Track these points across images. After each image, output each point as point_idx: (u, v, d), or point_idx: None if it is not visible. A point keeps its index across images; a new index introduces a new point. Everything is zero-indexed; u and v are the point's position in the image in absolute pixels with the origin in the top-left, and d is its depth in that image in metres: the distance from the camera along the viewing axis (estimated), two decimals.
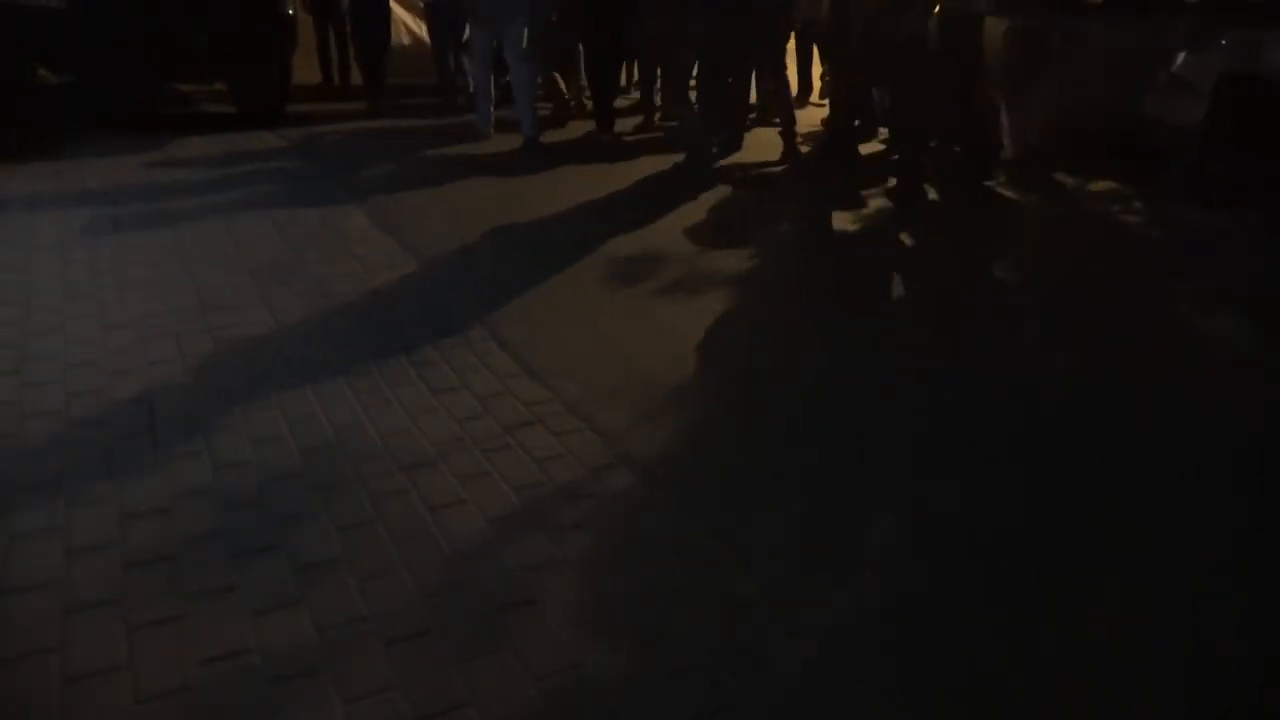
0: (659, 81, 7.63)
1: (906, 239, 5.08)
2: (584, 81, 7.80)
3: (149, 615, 1.90)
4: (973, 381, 3.20)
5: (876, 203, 5.54)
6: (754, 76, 6.91)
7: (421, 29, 8.21)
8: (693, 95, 7.24)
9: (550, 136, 6.97)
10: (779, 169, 6.30)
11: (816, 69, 8.57)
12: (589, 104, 7.56)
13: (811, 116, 7.69)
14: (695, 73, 6.97)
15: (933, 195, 5.68)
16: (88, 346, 3.07)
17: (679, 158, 6.40)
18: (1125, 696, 1.84)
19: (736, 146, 6.71)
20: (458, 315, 3.52)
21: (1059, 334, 3.65)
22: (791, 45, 7.09)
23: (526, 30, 6.30)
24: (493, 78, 6.89)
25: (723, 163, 6.43)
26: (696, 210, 5.21)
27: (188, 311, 3.39)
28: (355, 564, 2.09)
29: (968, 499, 2.49)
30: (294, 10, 6.92)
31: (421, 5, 8.01)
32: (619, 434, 2.72)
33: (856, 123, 6.65)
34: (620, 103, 7.68)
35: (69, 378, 2.85)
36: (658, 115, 7.54)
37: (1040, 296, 4.10)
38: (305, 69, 7.72)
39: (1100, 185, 6.06)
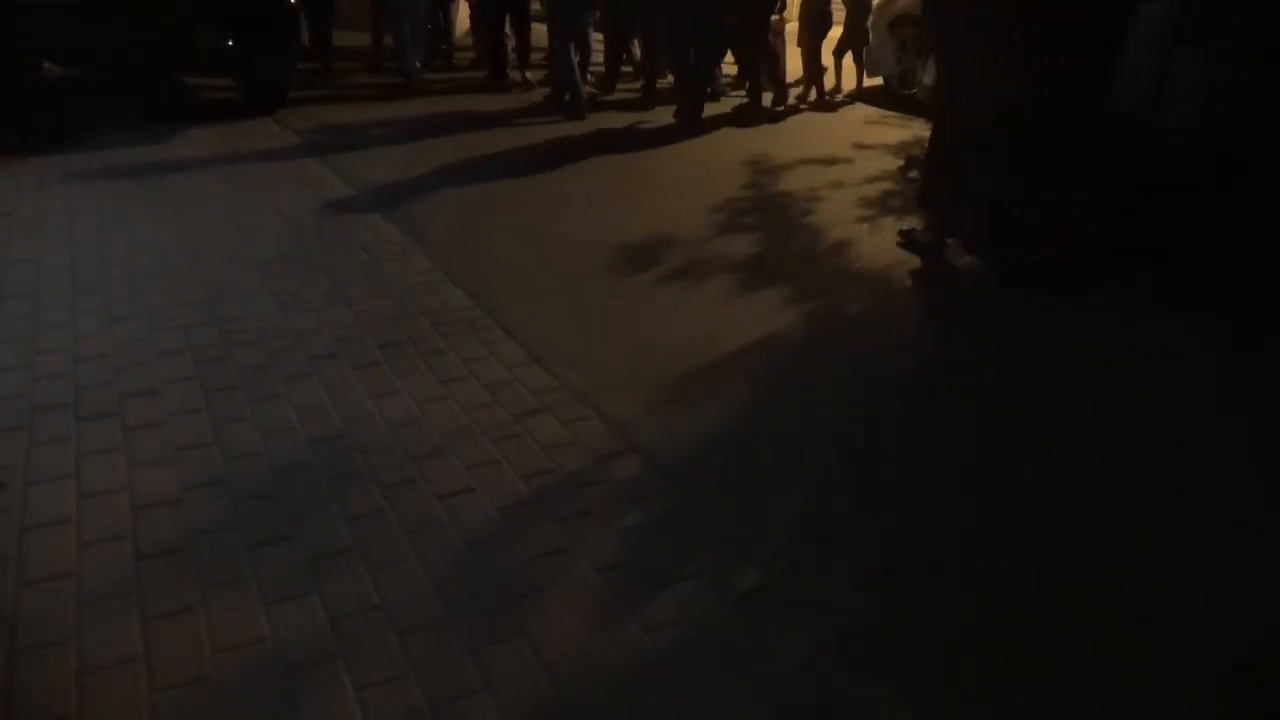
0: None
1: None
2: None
3: (163, 606, 1.92)
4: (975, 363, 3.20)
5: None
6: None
7: None
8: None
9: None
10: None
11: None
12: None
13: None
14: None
15: None
16: (97, 339, 3.08)
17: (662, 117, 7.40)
18: (1125, 697, 1.84)
19: (609, 91, 8.18)
20: (465, 304, 3.53)
21: None
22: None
23: None
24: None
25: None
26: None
27: (196, 304, 3.40)
28: (366, 553, 2.11)
29: (973, 484, 2.50)
30: (298, 4, 6.90)
31: None
32: (627, 422, 2.73)
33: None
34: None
35: (79, 371, 2.86)
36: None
37: None
38: None
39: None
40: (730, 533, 2.24)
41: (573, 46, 7.32)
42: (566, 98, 7.33)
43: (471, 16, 9.37)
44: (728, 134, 6.92)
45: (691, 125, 7.09)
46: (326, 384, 2.87)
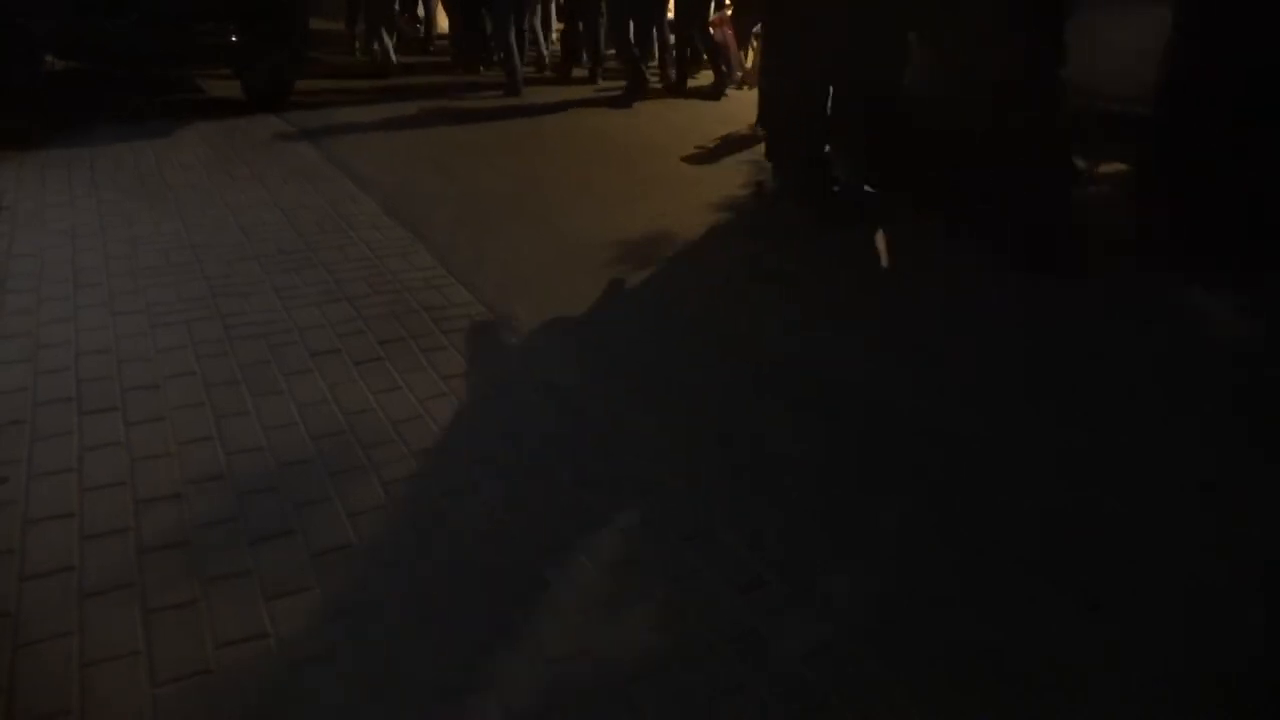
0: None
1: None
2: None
3: (165, 600, 1.92)
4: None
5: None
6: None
7: None
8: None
9: None
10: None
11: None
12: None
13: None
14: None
15: None
16: (99, 334, 3.08)
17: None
18: (1133, 685, 1.84)
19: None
20: (467, 300, 3.53)
21: None
22: None
23: None
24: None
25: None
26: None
27: (197, 298, 3.40)
28: (368, 549, 2.11)
29: (976, 478, 2.49)
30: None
31: None
32: (627, 418, 2.73)
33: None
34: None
35: (80, 365, 2.87)
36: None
37: None
38: None
39: None
40: (734, 525, 2.24)
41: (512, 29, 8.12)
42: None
43: (445, 6, 9.97)
44: (719, 124, 6.93)
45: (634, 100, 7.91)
46: (328, 379, 2.87)
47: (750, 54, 8.78)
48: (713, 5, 8.64)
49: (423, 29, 10.62)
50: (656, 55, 8.59)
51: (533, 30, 9.28)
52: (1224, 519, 2.38)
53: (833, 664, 1.84)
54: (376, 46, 8.62)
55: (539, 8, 9.44)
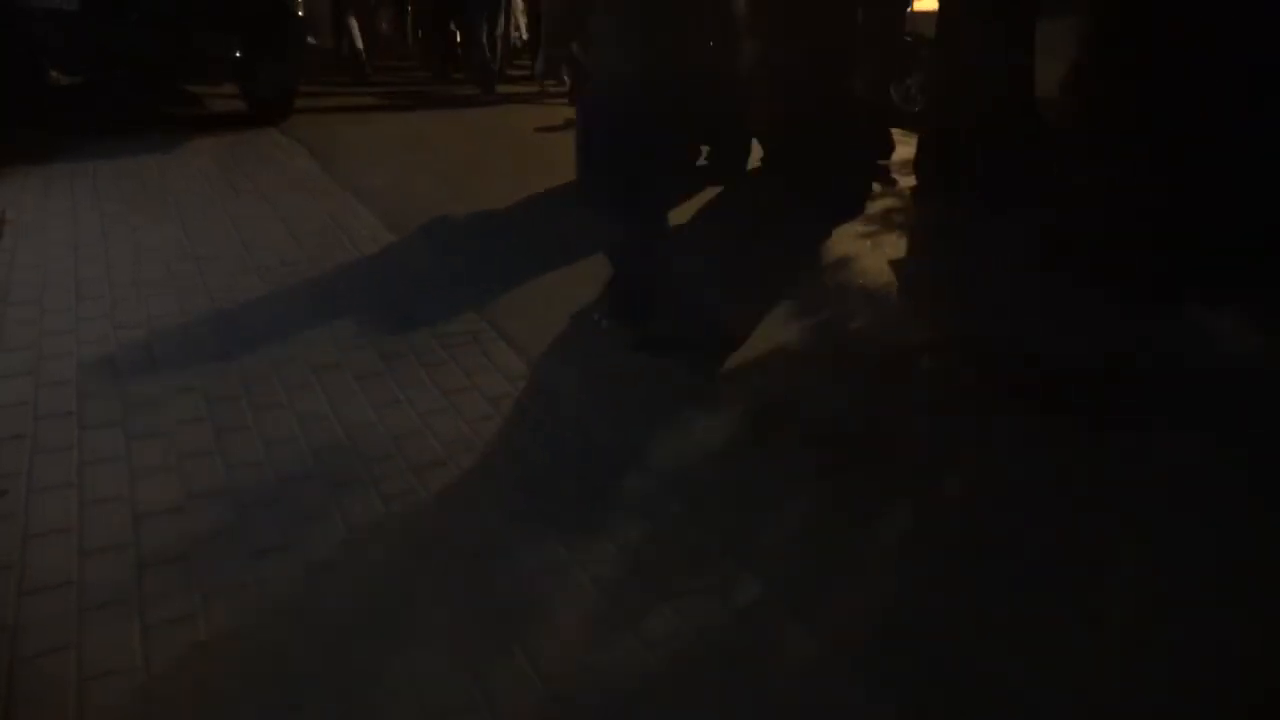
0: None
1: None
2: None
3: (163, 614, 1.92)
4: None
5: None
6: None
7: None
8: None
9: None
10: None
11: None
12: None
13: None
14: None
15: None
16: (100, 346, 3.09)
17: None
18: (1131, 698, 1.84)
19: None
20: (467, 314, 3.53)
21: None
22: None
23: None
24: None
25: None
26: None
27: (199, 311, 3.41)
28: (367, 563, 2.11)
29: (974, 496, 2.50)
30: (303, 10, 6.94)
31: None
32: (637, 446, 2.73)
33: None
34: None
35: (82, 378, 2.87)
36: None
37: None
38: None
39: None
40: (732, 543, 2.24)
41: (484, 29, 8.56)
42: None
43: (414, 15, 10.30)
44: None
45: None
46: (329, 393, 2.87)
47: None
48: None
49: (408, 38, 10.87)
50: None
51: (505, 35, 9.53)
52: (1226, 522, 2.38)
53: (830, 682, 1.84)
54: (358, 46, 8.92)
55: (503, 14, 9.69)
